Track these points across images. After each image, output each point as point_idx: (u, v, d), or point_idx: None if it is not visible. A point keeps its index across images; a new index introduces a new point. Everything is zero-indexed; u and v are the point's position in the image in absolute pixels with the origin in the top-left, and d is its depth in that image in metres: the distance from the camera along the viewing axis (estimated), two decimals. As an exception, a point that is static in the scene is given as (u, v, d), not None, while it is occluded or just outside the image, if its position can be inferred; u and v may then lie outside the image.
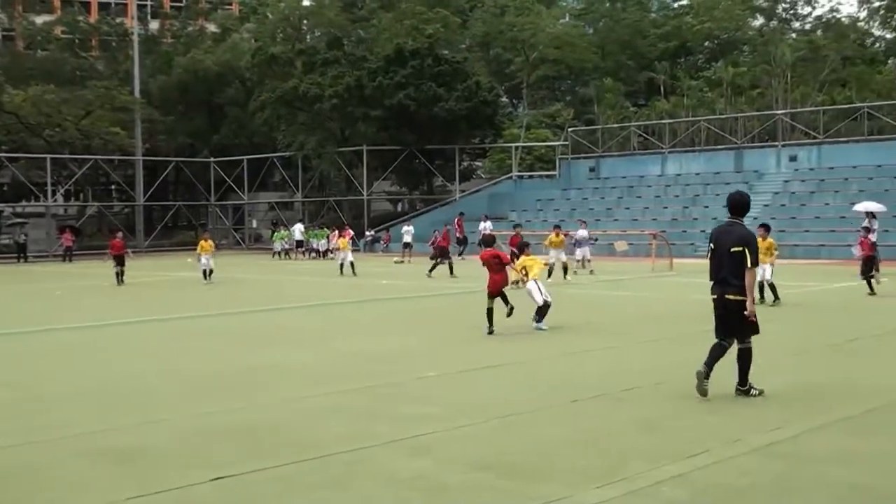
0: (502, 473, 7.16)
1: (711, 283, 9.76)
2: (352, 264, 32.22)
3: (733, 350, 9.77)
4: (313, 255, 47.74)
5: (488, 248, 16.30)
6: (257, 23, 70.44)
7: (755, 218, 41.35)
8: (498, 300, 15.64)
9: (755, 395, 9.75)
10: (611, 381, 10.83)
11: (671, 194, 46.97)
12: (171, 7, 78.65)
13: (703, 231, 41.67)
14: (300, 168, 59.75)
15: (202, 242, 30.86)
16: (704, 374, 9.64)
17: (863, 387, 10.46)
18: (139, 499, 6.71)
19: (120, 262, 29.90)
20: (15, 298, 26.21)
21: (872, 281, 21.34)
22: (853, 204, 34.54)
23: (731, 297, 9.50)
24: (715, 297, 9.70)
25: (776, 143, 47.04)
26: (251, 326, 17.62)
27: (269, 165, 62.51)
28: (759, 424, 8.61)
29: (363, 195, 56.16)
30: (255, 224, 64.86)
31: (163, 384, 11.44)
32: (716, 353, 9.73)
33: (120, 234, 32.50)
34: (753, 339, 9.76)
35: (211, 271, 29.90)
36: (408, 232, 43.33)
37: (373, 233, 52.48)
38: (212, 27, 75.52)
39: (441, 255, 31.71)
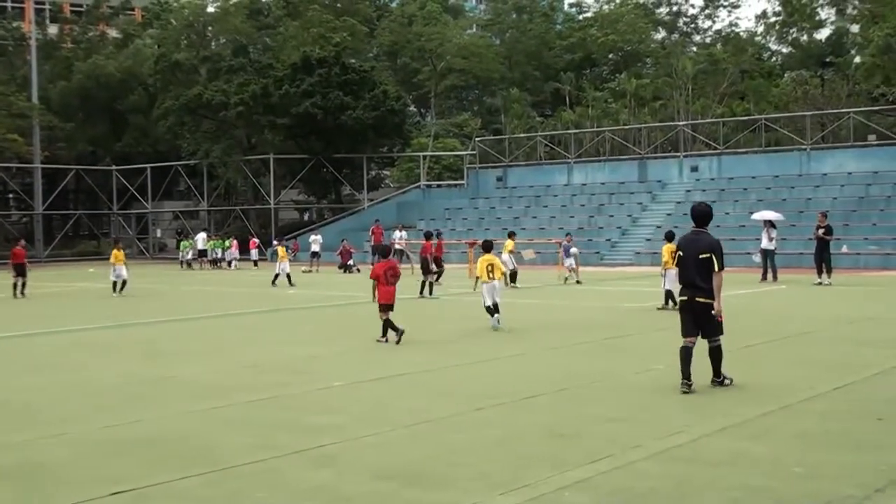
0: (406, 482, 7.14)
1: (681, 286, 10.62)
2: (288, 276, 31.11)
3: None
4: (218, 265, 47.03)
5: (385, 260, 16.39)
6: (160, 28, 69.23)
7: (658, 227, 42.44)
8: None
9: (728, 384, 10.72)
10: (515, 388, 10.90)
11: (577, 203, 47.64)
12: (71, 12, 76.66)
13: (609, 240, 42.46)
14: (206, 176, 58.90)
15: (115, 252, 29.21)
16: (688, 384, 10.41)
17: (758, 390, 10.72)
18: (32, 516, 6.51)
19: (21, 272, 28.38)
20: None
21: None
22: (752, 213, 35.50)
23: (700, 299, 10.34)
24: (685, 298, 10.50)
25: (678, 154, 48.12)
26: (151, 338, 17.26)
27: (174, 174, 61.48)
28: (660, 430, 8.76)
29: (270, 204, 55.61)
30: (159, 233, 63.71)
31: (59, 398, 11.12)
32: (686, 358, 10.45)
33: (22, 243, 30.71)
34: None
35: (124, 282, 28.35)
36: (316, 241, 43.06)
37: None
38: (113, 32, 73.90)
39: (430, 266, 27.36)
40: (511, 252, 28.34)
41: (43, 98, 60.45)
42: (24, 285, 28.13)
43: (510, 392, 10.70)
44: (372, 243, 43.65)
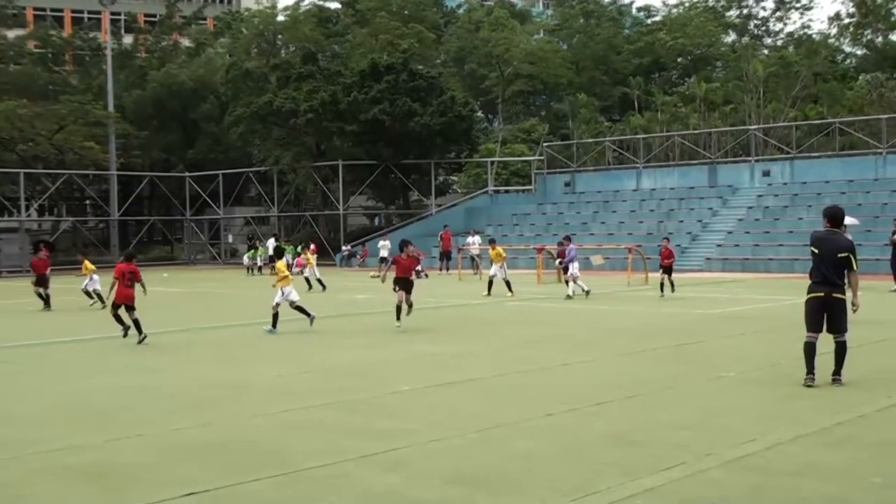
0: (476, 488, 7.13)
1: (813, 282, 11.14)
2: (318, 280, 31.91)
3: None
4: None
5: (125, 262, 17.50)
6: (232, 38, 70.33)
7: (729, 232, 41.87)
8: None
9: (843, 384, 11.09)
10: (585, 395, 10.84)
11: (646, 208, 47.19)
12: (146, 21, 78.31)
13: (679, 245, 41.94)
14: (276, 183, 59.61)
15: (86, 262, 27.10)
16: (812, 378, 11.01)
17: (833, 398, 10.51)
18: (109, 516, 6.64)
19: (42, 283, 25.67)
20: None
21: None
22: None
23: (837, 295, 10.96)
24: (822, 294, 11.00)
25: (749, 158, 47.40)
26: (221, 342, 17.51)
27: (245, 180, 62.32)
28: (732, 437, 8.63)
29: (339, 210, 56.06)
30: (230, 239, 64.56)
31: (133, 401, 11.34)
32: (811, 353, 11.07)
33: (43, 253, 26.97)
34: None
35: (97, 293, 25.49)
36: (384, 247, 43.28)
37: (349, 247, 52.36)
38: (186, 42, 75.29)
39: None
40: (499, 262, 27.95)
41: (118, 106, 61.76)
42: (48, 297, 25.56)
43: (580, 398, 10.64)
44: (441, 249, 43.76)
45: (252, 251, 49.34)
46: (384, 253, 42.66)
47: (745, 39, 74.86)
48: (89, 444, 8.89)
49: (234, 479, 7.43)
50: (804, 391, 10.87)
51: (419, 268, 39.73)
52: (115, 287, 17.03)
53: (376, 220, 65.50)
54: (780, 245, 38.78)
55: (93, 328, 19.98)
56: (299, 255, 47.10)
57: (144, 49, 73.11)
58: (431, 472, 7.60)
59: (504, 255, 28.63)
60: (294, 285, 19.16)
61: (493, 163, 56.18)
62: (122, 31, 73.52)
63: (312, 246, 36.65)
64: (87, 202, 70.22)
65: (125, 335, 17.03)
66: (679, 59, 72.44)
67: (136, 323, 16.83)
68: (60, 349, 16.88)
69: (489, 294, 26.87)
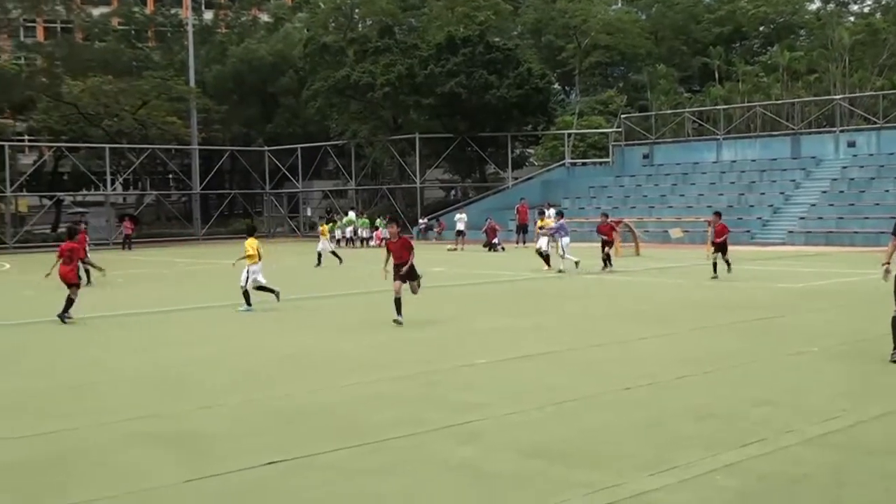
0: (553, 460, 7.14)
1: None
2: (322, 254, 30.83)
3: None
4: (365, 243, 47.81)
5: (69, 242, 17.43)
6: (309, 12, 70.75)
7: (813, 205, 40.97)
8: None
9: None
10: (663, 369, 10.74)
11: (726, 181, 46.38)
12: (225, -3, 79.24)
13: (760, 218, 41.22)
14: (353, 156, 60.02)
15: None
16: None
17: (922, 376, 10.27)
18: (195, 482, 6.81)
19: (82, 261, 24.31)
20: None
21: None
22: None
23: None
24: None
25: (834, 129, 46.21)
26: (298, 313, 17.74)
27: (323, 154, 62.85)
28: (815, 414, 8.49)
29: (416, 183, 56.25)
30: (309, 212, 65.26)
31: (215, 370, 11.58)
32: None
33: (83, 226, 26.55)
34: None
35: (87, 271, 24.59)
36: (461, 220, 43.35)
37: (426, 221, 52.57)
38: (265, 17, 76.00)
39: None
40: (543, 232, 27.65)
41: (199, 82, 62.69)
42: (87, 273, 24.44)
43: (658, 372, 10.55)
44: (517, 222, 43.63)
45: (330, 224, 49.81)
46: (461, 226, 42.72)
47: (831, 6, 72.75)
48: (169, 413, 9.11)
49: (312, 449, 7.55)
50: (890, 367, 10.63)
51: (496, 240, 39.88)
52: (58, 266, 16.82)
53: (453, 194, 65.56)
54: (866, 218, 37.82)
55: (170, 300, 20.41)
56: (377, 228, 47.57)
57: (224, 24, 74.05)
58: (508, 445, 7.63)
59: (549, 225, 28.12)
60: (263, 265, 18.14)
61: (569, 135, 55.72)
62: (203, 7, 74.50)
63: (322, 227, 34.54)
64: (170, 176, 71.62)
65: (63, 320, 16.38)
66: (761, 28, 70.77)
67: (70, 302, 16.39)
68: (138, 320, 17.28)
69: (549, 267, 26.61)
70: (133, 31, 71.98)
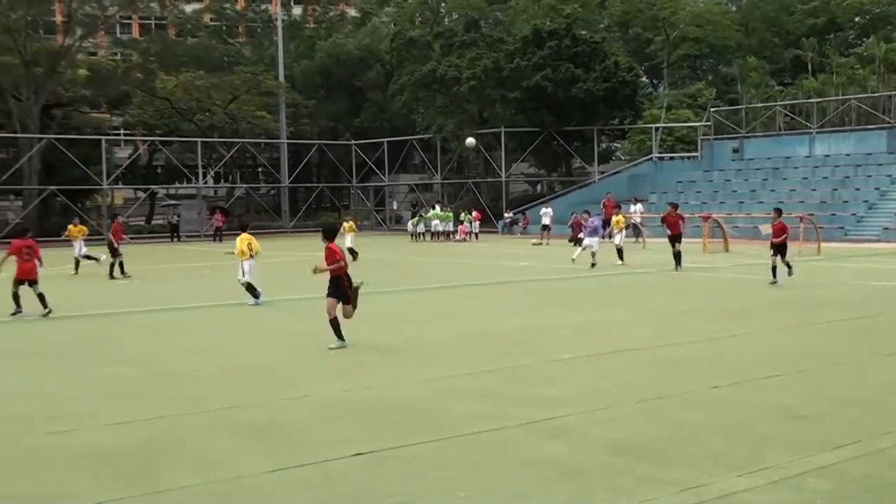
0: (639, 458, 7.06)
1: None
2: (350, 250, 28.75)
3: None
4: (449, 237, 47.92)
5: (17, 238, 16.91)
6: (396, 7, 71.21)
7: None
8: None
9: None
10: (752, 367, 10.54)
11: (819, 176, 45.29)
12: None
13: (854, 214, 40.17)
14: (439, 150, 60.23)
15: (70, 227, 27.34)
16: None
17: None
18: (280, 472, 6.89)
19: (115, 252, 25.06)
20: (168, 276, 27.22)
21: None
22: None
23: None
24: None
25: (933, 122, 44.80)
26: (384, 306, 17.83)
27: (409, 148, 63.24)
28: (912, 416, 8.25)
29: (501, 177, 56.19)
30: (395, 206, 65.72)
31: (291, 362, 11.71)
32: None
33: (120, 218, 28.08)
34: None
35: (86, 256, 26.32)
36: (546, 214, 43.17)
37: (511, 215, 52.49)
38: (352, 12, 76.72)
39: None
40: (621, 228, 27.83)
41: (288, 76, 63.64)
42: (121, 265, 25.17)
43: (747, 371, 10.36)
44: (603, 216, 43.21)
45: (416, 218, 50.07)
46: (546, 220, 42.56)
47: (931, -5, 70.47)
48: (254, 403, 9.24)
49: (398, 441, 7.59)
50: None
51: (581, 235, 39.50)
52: (4, 262, 16.73)
53: (538, 188, 65.35)
54: (967, 214, 36.60)
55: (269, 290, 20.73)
56: (461, 222, 47.67)
57: (313, 20, 74.99)
58: (593, 441, 7.57)
59: (623, 223, 28.77)
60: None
61: (657, 129, 55.04)
62: (292, 3, 75.58)
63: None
64: (259, 169, 72.84)
65: (15, 314, 16.42)
66: (857, 19, 68.88)
67: (41, 297, 16.48)
68: (224, 311, 17.57)
69: (622, 262, 26.51)
70: (224, 27, 73.39)
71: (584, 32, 57.80)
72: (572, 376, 10.42)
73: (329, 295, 12.42)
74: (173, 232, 52.16)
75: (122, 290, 22.41)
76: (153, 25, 72.54)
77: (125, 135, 69.23)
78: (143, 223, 58.40)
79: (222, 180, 72.96)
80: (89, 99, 61.13)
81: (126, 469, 7.07)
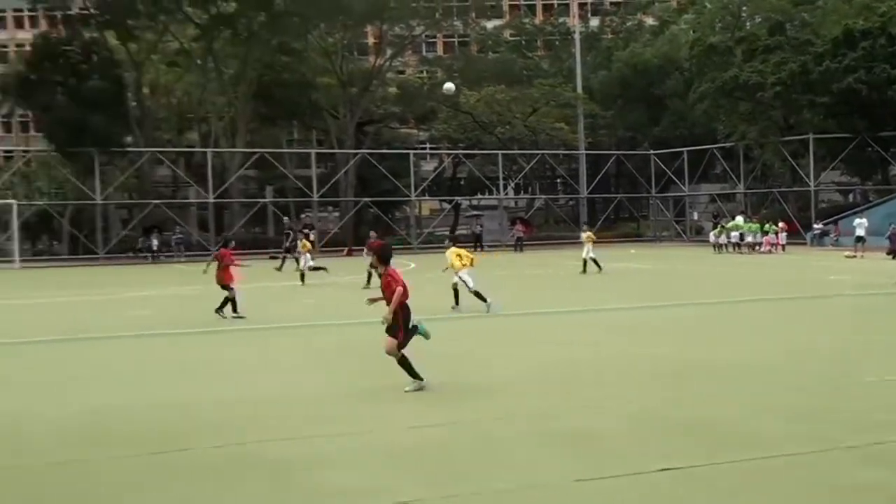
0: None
1: None
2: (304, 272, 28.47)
3: None
4: (755, 249, 46.33)
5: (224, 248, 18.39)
6: (696, 13, 69.80)
7: None
8: None
9: None
10: None
11: None
12: (611, 3, 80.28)
13: None
14: (741, 159, 58.41)
15: (304, 242, 29.70)
16: None
17: None
18: (589, 482, 6.93)
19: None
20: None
21: None
22: None
23: None
24: None
25: None
26: (686, 320, 17.52)
27: (710, 157, 61.74)
28: None
29: (810, 186, 53.59)
30: (695, 216, 64.37)
31: (588, 373, 11.68)
32: None
33: (373, 234, 30.43)
34: None
35: (311, 269, 28.50)
36: (860, 225, 40.70)
37: (821, 226, 49.99)
38: (650, 20, 76.01)
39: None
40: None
41: (585, 88, 64.05)
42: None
43: None
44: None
45: (718, 228, 48.87)
46: (860, 232, 40.11)
47: None
48: (560, 412, 9.32)
49: (706, 459, 7.42)
50: None
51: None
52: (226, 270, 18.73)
53: (851, 197, 61.72)
54: None
55: (561, 301, 20.99)
56: (766, 233, 45.98)
57: (610, 30, 75.03)
58: (922, 470, 7.10)
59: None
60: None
61: None
62: (589, 15, 76.00)
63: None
64: (558, 180, 73.74)
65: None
66: None
67: (232, 301, 18.56)
68: (525, 319, 17.90)
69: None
70: (524, 42, 75.04)
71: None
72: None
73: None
74: (476, 241, 53.92)
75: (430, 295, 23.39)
76: (456, 43, 75.41)
77: (431, 148, 72.43)
78: (447, 233, 60.71)
79: (522, 191, 74.50)
80: (398, 115, 64.66)
81: (427, 470, 7.32)
